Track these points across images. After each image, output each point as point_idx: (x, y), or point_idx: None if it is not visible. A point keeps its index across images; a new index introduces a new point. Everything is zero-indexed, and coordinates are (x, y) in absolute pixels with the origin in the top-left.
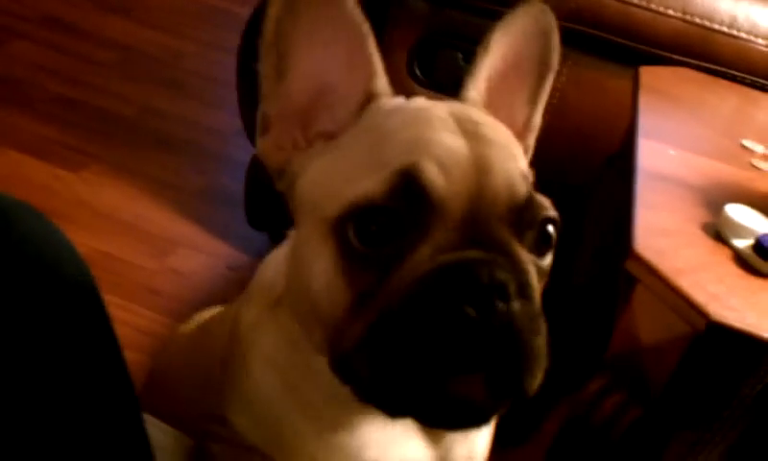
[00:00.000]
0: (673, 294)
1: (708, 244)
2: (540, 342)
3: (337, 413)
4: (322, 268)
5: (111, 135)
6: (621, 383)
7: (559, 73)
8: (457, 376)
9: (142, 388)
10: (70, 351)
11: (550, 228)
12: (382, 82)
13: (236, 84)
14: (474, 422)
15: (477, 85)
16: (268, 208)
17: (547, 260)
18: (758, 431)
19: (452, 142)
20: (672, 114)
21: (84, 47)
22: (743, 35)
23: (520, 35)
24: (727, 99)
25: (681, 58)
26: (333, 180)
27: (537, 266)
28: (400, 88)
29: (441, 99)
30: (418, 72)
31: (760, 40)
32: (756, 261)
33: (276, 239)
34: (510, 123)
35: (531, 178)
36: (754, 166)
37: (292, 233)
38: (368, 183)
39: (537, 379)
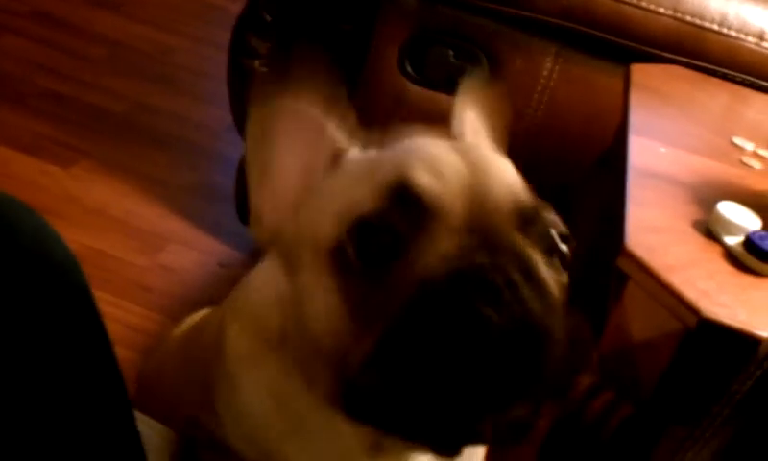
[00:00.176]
0: (664, 291)
1: (699, 241)
2: (569, 338)
3: (334, 440)
4: (323, 298)
5: (101, 131)
6: (612, 381)
7: (550, 70)
8: (492, 389)
9: (134, 391)
10: (60, 347)
11: (563, 246)
12: (343, 140)
13: (227, 79)
14: (519, 435)
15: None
16: None
17: (564, 278)
18: (750, 429)
19: (443, 152)
20: (663, 112)
21: (73, 42)
22: (733, 33)
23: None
24: (717, 97)
25: (671, 55)
26: (323, 209)
27: (555, 279)
28: (391, 85)
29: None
30: (409, 69)
31: (750, 38)
32: (747, 258)
33: None
34: None
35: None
36: (744, 164)
37: (269, 262)
38: (360, 198)
39: (575, 375)
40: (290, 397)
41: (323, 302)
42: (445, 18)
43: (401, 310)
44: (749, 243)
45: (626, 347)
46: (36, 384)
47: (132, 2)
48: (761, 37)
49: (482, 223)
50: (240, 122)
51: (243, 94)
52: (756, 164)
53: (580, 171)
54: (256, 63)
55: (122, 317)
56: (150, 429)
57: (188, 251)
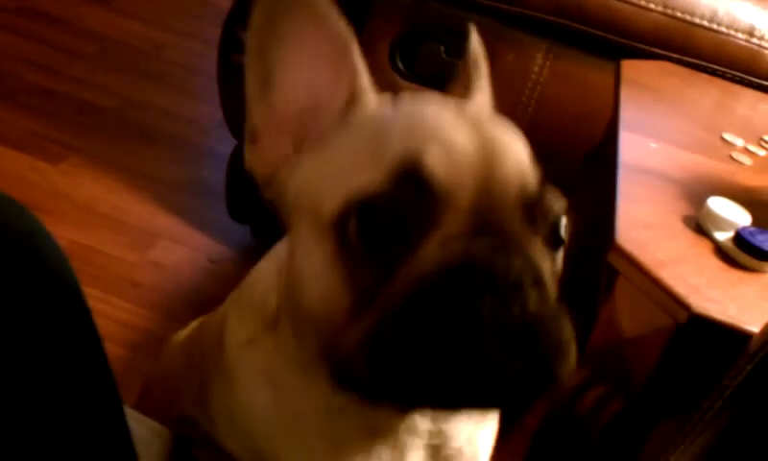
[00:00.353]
0: (654, 286)
1: (690, 237)
2: (566, 327)
3: (329, 429)
4: (319, 269)
5: (91, 127)
6: (603, 376)
7: (540, 66)
8: (484, 354)
9: (138, 395)
10: (50, 343)
11: (562, 224)
12: (365, 81)
13: (217, 75)
14: (508, 397)
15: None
16: (249, 201)
17: (558, 258)
18: (740, 423)
19: (455, 130)
20: (654, 108)
21: (63, 38)
22: (723, 29)
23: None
24: (708, 93)
25: (662, 51)
26: (328, 178)
27: (550, 261)
28: (383, 81)
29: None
30: (400, 65)
31: (740, 35)
32: (737, 254)
33: (258, 232)
34: None
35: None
36: (734, 159)
37: (280, 245)
38: (367, 177)
39: (568, 366)
40: (287, 382)
41: (319, 270)
42: (437, 14)
43: (401, 296)
44: (739, 238)
45: (617, 342)
46: (26, 381)
47: None
48: (751, 33)
49: (488, 207)
50: (230, 118)
51: (233, 90)
52: (746, 160)
53: (571, 167)
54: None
55: (111, 313)
56: (143, 427)
57: (178, 247)
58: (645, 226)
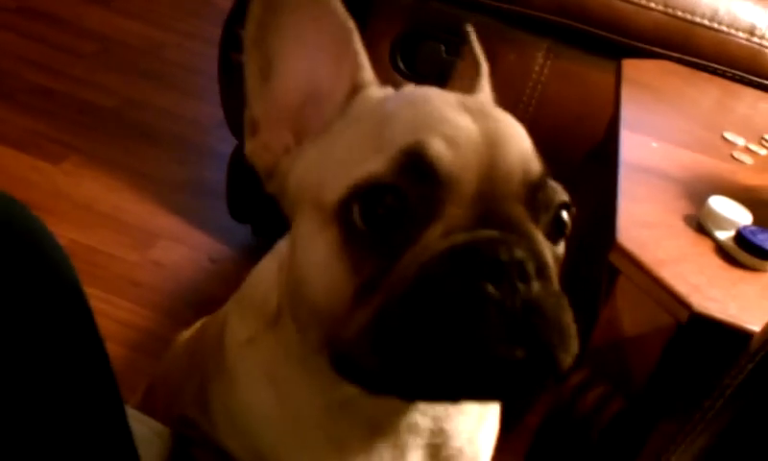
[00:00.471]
0: (655, 285)
1: (690, 236)
2: (568, 317)
3: (330, 427)
4: (322, 258)
5: (92, 127)
6: (603, 376)
7: (541, 66)
8: (487, 341)
9: (142, 396)
10: (51, 342)
11: (564, 213)
12: (368, 72)
13: (218, 75)
14: (511, 384)
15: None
16: (250, 200)
17: (561, 248)
18: (741, 423)
19: (459, 118)
20: (654, 107)
21: (63, 38)
22: (724, 28)
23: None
24: (708, 92)
25: (662, 51)
26: (331, 167)
27: (551, 251)
28: (384, 81)
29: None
30: (401, 64)
31: (741, 34)
32: (738, 253)
33: (259, 231)
34: None
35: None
36: (735, 159)
37: (280, 244)
38: (371, 165)
39: (570, 355)
40: (288, 380)
41: (323, 258)
42: (437, 13)
43: (405, 281)
44: (740, 237)
45: (618, 341)
46: (28, 381)
47: None
48: (752, 32)
49: (491, 195)
50: (231, 118)
51: (234, 90)
52: (747, 159)
53: (571, 166)
54: None
55: (112, 312)
56: (150, 429)
57: (178, 246)
58: (646, 225)
